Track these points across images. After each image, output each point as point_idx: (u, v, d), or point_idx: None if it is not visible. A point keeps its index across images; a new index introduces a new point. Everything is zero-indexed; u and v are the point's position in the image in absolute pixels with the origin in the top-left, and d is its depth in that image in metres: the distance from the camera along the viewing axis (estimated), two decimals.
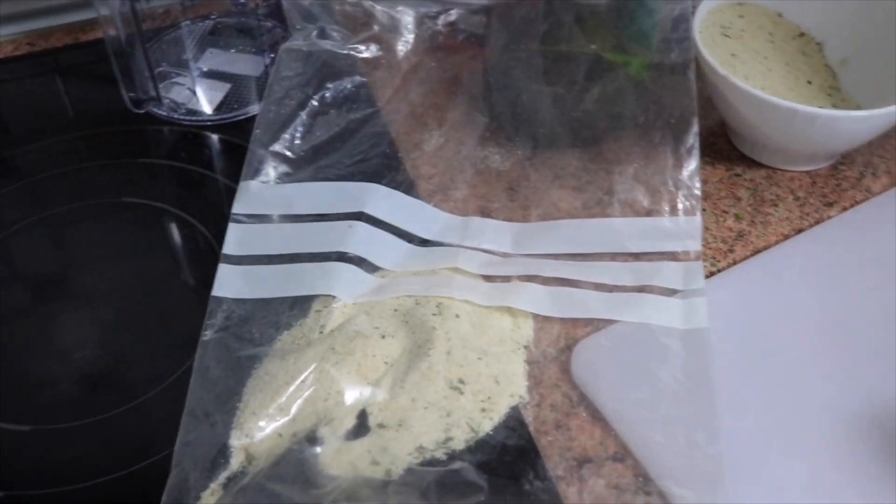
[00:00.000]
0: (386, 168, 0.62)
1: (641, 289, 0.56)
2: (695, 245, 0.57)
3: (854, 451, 0.49)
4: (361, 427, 0.49)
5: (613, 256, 0.58)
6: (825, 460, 0.48)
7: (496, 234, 0.59)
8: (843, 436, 0.49)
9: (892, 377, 0.52)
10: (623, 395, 0.51)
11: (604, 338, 0.53)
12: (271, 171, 0.61)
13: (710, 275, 0.57)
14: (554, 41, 0.60)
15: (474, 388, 0.51)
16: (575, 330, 0.54)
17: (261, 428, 0.48)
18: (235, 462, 0.48)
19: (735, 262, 0.58)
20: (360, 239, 0.57)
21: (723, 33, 0.62)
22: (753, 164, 0.65)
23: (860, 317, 0.55)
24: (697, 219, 0.57)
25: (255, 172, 0.60)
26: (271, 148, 0.62)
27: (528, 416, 0.50)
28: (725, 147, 0.66)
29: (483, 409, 0.50)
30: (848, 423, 0.50)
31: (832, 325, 0.54)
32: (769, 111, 0.58)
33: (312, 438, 0.48)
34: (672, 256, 0.57)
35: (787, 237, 0.60)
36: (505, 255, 0.58)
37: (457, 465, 0.47)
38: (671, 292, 0.55)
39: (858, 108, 0.63)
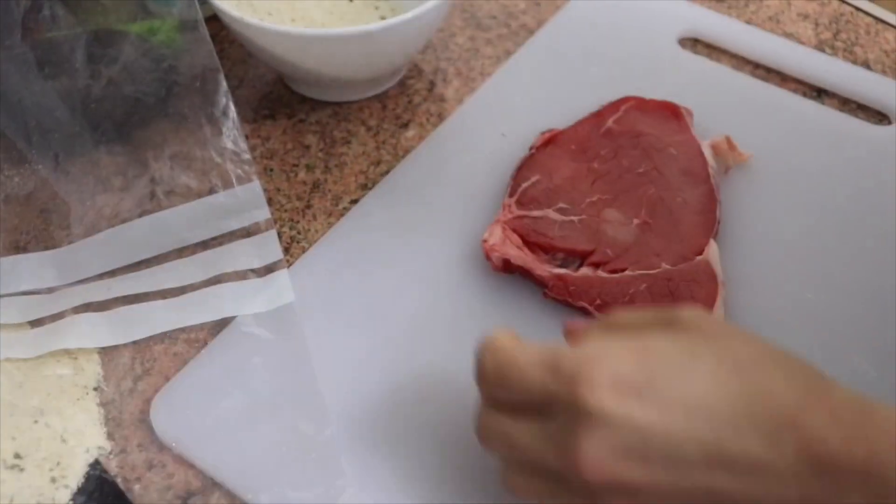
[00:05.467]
0: None
1: (216, 280, 0.49)
2: (262, 214, 0.50)
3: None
4: None
5: (180, 253, 0.50)
6: (448, 413, 0.44)
7: (35, 268, 0.50)
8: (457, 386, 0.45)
9: None
10: (216, 424, 0.44)
11: (180, 381, 0.46)
12: None
13: (291, 240, 0.52)
14: (39, 29, 0.51)
15: (36, 458, 0.43)
16: (150, 349, 0.47)
17: None
18: None
19: (315, 217, 0.53)
20: None
21: None
22: (318, 104, 0.59)
23: (453, 258, 0.50)
24: (255, 184, 0.50)
25: None
26: None
27: (113, 466, 0.43)
28: (284, 94, 0.59)
29: (53, 479, 0.42)
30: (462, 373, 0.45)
31: (421, 271, 0.50)
32: (300, 43, 0.51)
33: None
34: (242, 233, 0.50)
35: (365, 174, 0.55)
36: (51, 289, 0.49)
37: None
38: (248, 274, 0.49)
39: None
